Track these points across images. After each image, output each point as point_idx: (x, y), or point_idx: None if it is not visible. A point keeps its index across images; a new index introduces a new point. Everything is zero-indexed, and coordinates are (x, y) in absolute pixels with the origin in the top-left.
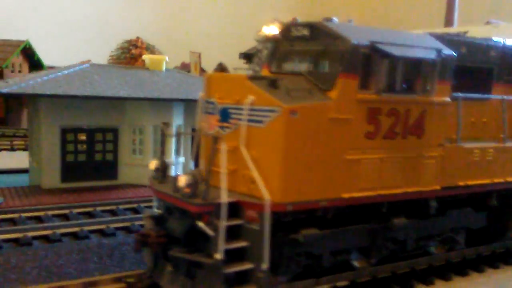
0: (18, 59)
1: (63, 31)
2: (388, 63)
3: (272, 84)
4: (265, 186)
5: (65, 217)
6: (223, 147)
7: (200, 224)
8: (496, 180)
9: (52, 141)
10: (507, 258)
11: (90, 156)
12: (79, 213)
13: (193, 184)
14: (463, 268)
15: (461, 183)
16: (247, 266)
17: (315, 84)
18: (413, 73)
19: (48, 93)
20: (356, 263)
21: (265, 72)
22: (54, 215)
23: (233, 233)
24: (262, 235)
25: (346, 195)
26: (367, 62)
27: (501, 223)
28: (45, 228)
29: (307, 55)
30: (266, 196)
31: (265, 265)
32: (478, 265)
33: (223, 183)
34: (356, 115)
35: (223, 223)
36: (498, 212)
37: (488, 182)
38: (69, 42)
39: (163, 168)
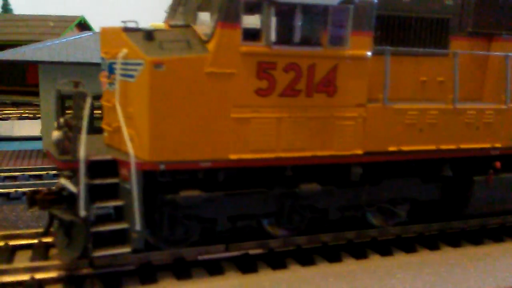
0: (73, 34)
1: (118, 5)
2: (278, 10)
3: (148, 36)
4: (139, 144)
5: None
6: (105, 103)
7: (63, 181)
8: (444, 147)
9: (50, 107)
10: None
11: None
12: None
13: (62, 141)
14: (401, 244)
15: (392, 149)
16: (119, 226)
17: (199, 36)
18: (315, 23)
19: (36, 59)
20: (270, 230)
21: (165, 26)
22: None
23: (112, 192)
24: (132, 194)
25: (234, 156)
26: (251, 10)
27: (459, 197)
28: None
29: (195, 5)
30: (132, 153)
31: (138, 226)
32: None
33: (107, 140)
34: (241, 70)
35: (83, 180)
36: (455, 184)
37: (433, 149)
38: (124, 17)
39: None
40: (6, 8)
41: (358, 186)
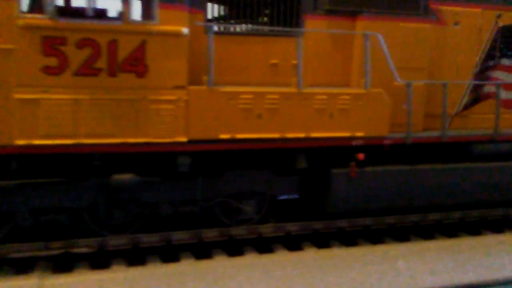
0: None
1: None
2: None
3: None
4: None
5: None
6: None
7: None
8: (291, 135)
9: None
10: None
11: None
12: None
13: None
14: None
15: (225, 136)
16: None
17: None
18: None
19: None
20: (94, 227)
21: None
22: None
23: None
24: None
25: (21, 142)
26: None
27: (319, 192)
28: None
29: None
30: None
31: None
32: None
33: None
34: (22, 45)
35: None
36: (314, 178)
37: (277, 137)
38: None
39: None
40: None
41: (193, 178)
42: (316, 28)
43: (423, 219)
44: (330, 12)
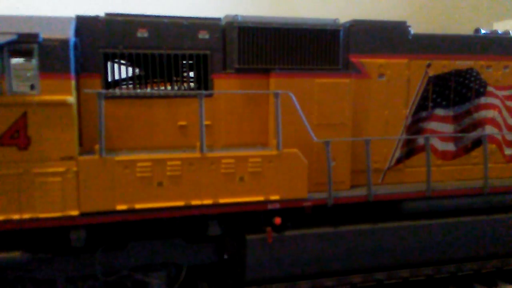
0: None
1: None
2: None
3: None
4: None
5: None
6: None
7: None
8: (197, 202)
9: None
10: None
11: None
12: None
13: None
14: None
15: (122, 207)
16: None
17: None
18: None
19: None
20: None
21: None
22: None
23: None
24: None
25: None
26: None
27: (236, 259)
28: None
29: None
30: None
31: None
32: None
33: None
34: None
35: None
36: (231, 245)
37: (180, 205)
38: None
39: None
40: None
41: (90, 252)
42: (226, 87)
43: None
44: (242, 71)
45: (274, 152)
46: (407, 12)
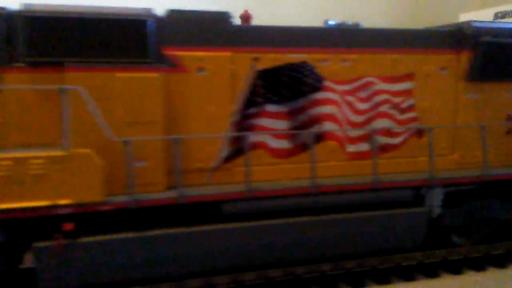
0: None
1: None
2: None
3: None
4: None
5: None
6: None
7: None
8: None
9: None
10: None
11: None
12: None
13: None
14: None
15: None
16: None
17: None
18: None
19: None
20: None
21: None
22: None
23: None
24: None
25: None
26: None
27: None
28: None
29: None
30: None
31: None
32: None
33: None
34: None
35: None
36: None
37: None
38: None
39: None
40: None
41: None
42: (17, 83)
43: None
44: (34, 64)
45: (61, 153)
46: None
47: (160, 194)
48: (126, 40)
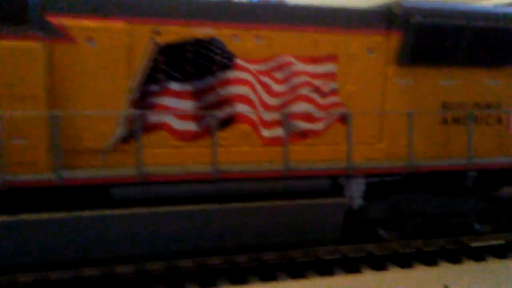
0: None
1: None
2: None
3: None
4: None
5: None
6: None
7: None
8: None
9: None
10: None
11: None
12: None
13: None
14: None
15: None
16: None
17: None
18: None
19: None
20: None
21: None
22: None
23: None
24: None
25: None
26: None
27: None
28: None
29: None
30: None
31: None
32: None
33: None
34: None
35: None
36: None
37: None
38: None
39: None
40: None
41: None
42: None
43: None
44: None
45: None
46: None
47: (38, 176)
48: (3, 3)
